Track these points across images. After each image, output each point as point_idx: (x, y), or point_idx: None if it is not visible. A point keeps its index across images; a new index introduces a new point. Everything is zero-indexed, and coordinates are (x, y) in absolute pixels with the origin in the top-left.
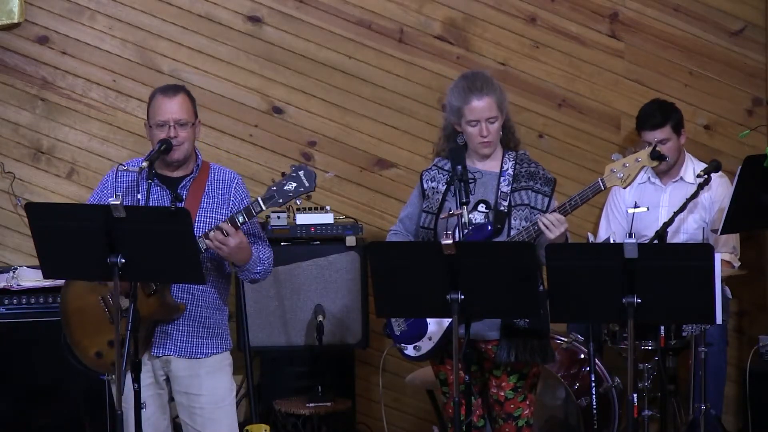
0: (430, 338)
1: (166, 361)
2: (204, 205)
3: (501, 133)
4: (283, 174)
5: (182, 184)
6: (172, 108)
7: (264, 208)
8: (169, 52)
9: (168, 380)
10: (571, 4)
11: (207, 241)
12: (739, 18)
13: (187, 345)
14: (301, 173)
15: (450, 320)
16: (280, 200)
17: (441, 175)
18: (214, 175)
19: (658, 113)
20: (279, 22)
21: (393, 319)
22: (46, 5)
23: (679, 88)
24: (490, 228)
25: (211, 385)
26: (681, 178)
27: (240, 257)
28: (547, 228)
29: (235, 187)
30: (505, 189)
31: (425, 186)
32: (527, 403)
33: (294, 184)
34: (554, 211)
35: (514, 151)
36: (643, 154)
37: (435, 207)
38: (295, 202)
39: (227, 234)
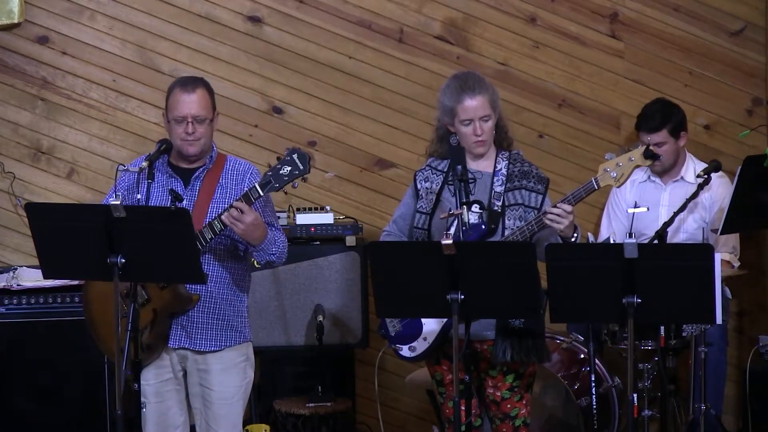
0: (425, 338)
1: (183, 356)
2: (217, 195)
3: (494, 132)
4: (278, 158)
5: (195, 175)
6: (191, 104)
7: (262, 194)
8: (169, 52)
9: (185, 375)
10: (571, 4)
11: (223, 217)
12: (739, 18)
13: (201, 337)
14: (294, 156)
15: (445, 320)
16: (277, 185)
17: (435, 176)
18: (230, 165)
19: (658, 116)
20: (279, 22)
21: (387, 320)
22: (46, 5)
23: (679, 88)
24: (484, 228)
25: (222, 381)
26: (682, 178)
27: (255, 235)
28: (554, 222)
29: (249, 177)
30: (498, 189)
31: (419, 186)
32: (524, 402)
33: (289, 168)
34: (555, 204)
35: (508, 151)
36: (637, 153)
37: (429, 207)
38: (295, 186)
39: (242, 211)
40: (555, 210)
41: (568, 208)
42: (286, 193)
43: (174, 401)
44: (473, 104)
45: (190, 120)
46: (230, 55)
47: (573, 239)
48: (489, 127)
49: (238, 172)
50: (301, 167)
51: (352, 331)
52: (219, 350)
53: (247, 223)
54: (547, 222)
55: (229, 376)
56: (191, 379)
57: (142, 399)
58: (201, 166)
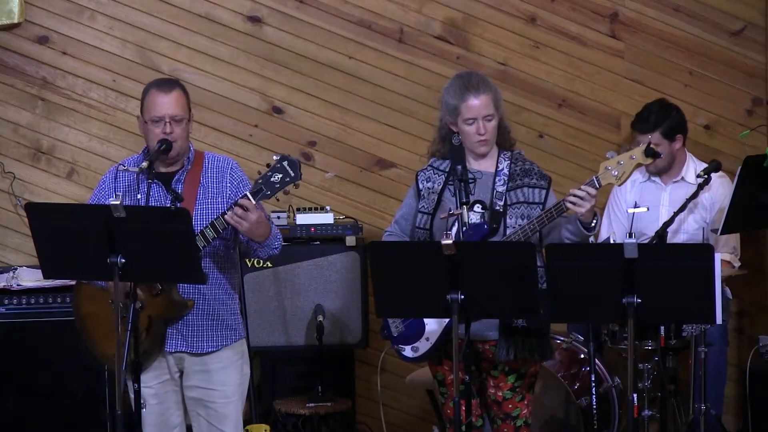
0: (427, 339)
1: (180, 358)
2: (200, 197)
3: (497, 132)
4: (267, 165)
5: (176, 178)
6: (169, 103)
7: (254, 202)
8: (169, 52)
9: (181, 376)
10: (571, 4)
11: (226, 217)
12: (739, 18)
13: (198, 340)
14: (285, 163)
15: (447, 320)
16: (269, 192)
17: (436, 176)
18: (209, 163)
19: (652, 117)
20: (279, 22)
21: (390, 321)
22: (46, 5)
23: (679, 88)
24: (486, 227)
25: (222, 380)
26: (682, 178)
27: (260, 232)
28: (576, 205)
29: (230, 173)
30: (500, 189)
31: (421, 186)
32: (525, 402)
33: (280, 175)
34: (559, 202)
35: (510, 151)
36: (638, 151)
37: (431, 207)
38: (287, 192)
39: (247, 209)
40: (578, 192)
41: (592, 191)
42: (278, 200)
43: (172, 402)
44: (477, 103)
45: (167, 120)
46: (230, 55)
47: (593, 223)
48: (492, 127)
49: (218, 169)
50: (292, 174)
51: (352, 331)
52: (216, 350)
53: (252, 221)
54: (569, 206)
55: (227, 374)
56: (189, 382)
57: (142, 399)
58: (180, 169)
